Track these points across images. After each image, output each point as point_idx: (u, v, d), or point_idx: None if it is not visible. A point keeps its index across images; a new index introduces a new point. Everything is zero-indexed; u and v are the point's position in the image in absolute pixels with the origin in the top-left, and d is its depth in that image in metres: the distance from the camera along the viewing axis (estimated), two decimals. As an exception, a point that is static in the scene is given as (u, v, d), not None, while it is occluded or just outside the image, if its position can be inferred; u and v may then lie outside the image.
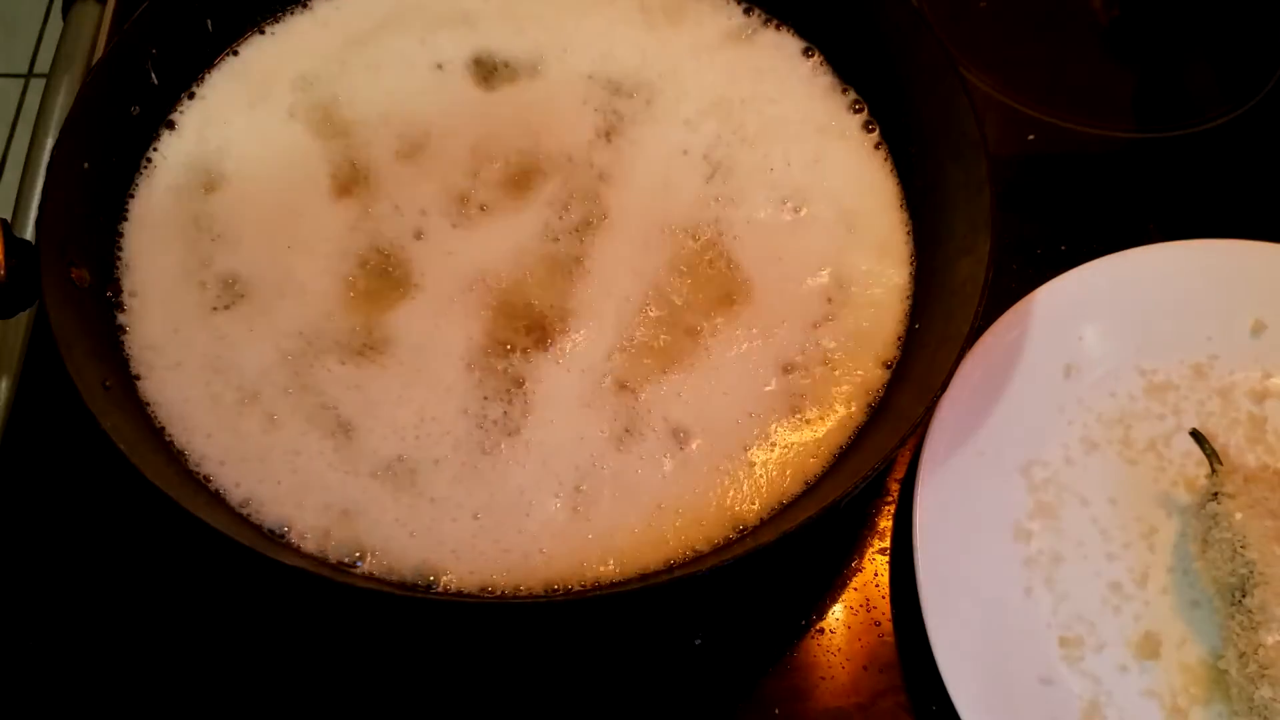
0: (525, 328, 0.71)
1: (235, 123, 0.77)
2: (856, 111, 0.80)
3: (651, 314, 0.72)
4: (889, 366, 0.71)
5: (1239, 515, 0.67)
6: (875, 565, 0.73)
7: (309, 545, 0.64)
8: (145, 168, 0.75)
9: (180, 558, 0.71)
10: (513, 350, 0.70)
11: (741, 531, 0.66)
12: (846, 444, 0.68)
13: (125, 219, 0.73)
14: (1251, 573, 0.65)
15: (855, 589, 0.72)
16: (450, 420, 0.68)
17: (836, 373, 0.70)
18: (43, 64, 1.67)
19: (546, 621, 0.71)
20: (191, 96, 0.78)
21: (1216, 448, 0.72)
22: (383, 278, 0.72)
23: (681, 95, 0.80)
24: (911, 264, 0.74)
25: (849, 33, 0.79)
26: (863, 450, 0.67)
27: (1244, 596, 0.65)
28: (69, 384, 0.60)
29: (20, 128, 1.76)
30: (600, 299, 0.72)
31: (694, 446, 0.68)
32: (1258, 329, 0.78)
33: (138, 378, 0.68)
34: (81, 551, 0.72)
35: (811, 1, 0.81)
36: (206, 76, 0.79)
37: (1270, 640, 0.64)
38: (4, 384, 0.78)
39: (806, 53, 0.82)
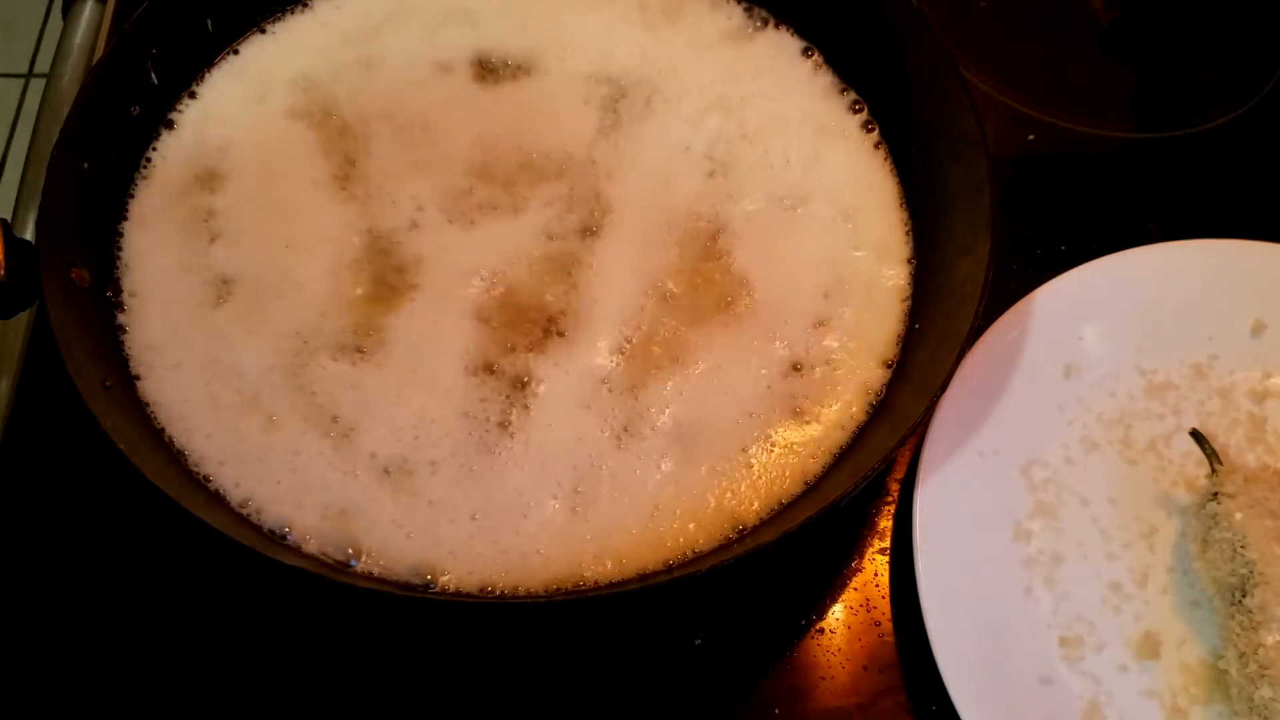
0: (524, 327, 0.71)
1: (235, 122, 0.77)
2: (856, 111, 0.80)
3: (651, 313, 0.72)
4: (889, 366, 0.71)
5: (1239, 515, 0.67)
6: (875, 565, 0.73)
7: (309, 545, 0.64)
8: (145, 167, 0.75)
9: (180, 558, 0.71)
10: (512, 350, 0.70)
11: (741, 531, 0.66)
12: (846, 444, 0.68)
13: (125, 219, 0.73)
14: (1251, 573, 0.65)
15: (855, 589, 0.72)
16: (449, 421, 0.68)
17: (836, 373, 0.70)
18: (43, 64, 1.68)
19: (546, 622, 0.71)
20: (192, 96, 0.78)
21: (1216, 448, 0.72)
22: (382, 277, 0.72)
23: (681, 94, 0.80)
24: (911, 264, 0.74)
25: (849, 33, 0.79)
26: (863, 450, 0.67)
27: (1244, 596, 0.65)
28: (69, 384, 0.60)
29: (20, 128, 1.76)
30: (600, 298, 0.72)
31: (693, 446, 0.68)
32: (1258, 329, 0.78)
33: (137, 378, 0.68)
34: (81, 551, 0.72)
35: (811, 1, 0.81)
36: (206, 76, 0.79)
37: (1270, 640, 0.64)
38: (4, 384, 0.78)
39: (806, 52, 0.82)
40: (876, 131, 0.79)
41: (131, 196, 0.74)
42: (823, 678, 0.70)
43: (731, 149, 0.78)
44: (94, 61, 0.91)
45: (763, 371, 0.70)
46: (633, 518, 0.66)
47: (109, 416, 0.61)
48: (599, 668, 0.70)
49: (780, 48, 0.82)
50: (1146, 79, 0.98)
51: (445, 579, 0.64)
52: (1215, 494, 0.69)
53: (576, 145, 0.77)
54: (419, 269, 0.73)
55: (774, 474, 0.67)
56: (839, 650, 0.70)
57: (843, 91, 0.80)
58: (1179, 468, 0.74)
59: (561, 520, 0.65)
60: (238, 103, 0.78)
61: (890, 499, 0.76)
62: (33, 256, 0.64)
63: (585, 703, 0.69)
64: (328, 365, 0.69)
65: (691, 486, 0.67)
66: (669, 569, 0.64)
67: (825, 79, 0.81)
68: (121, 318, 0.70)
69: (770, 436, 0.68)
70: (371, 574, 0.64)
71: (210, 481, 0.66)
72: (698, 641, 0.70)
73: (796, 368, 0.71)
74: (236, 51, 0.80)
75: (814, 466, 0.68)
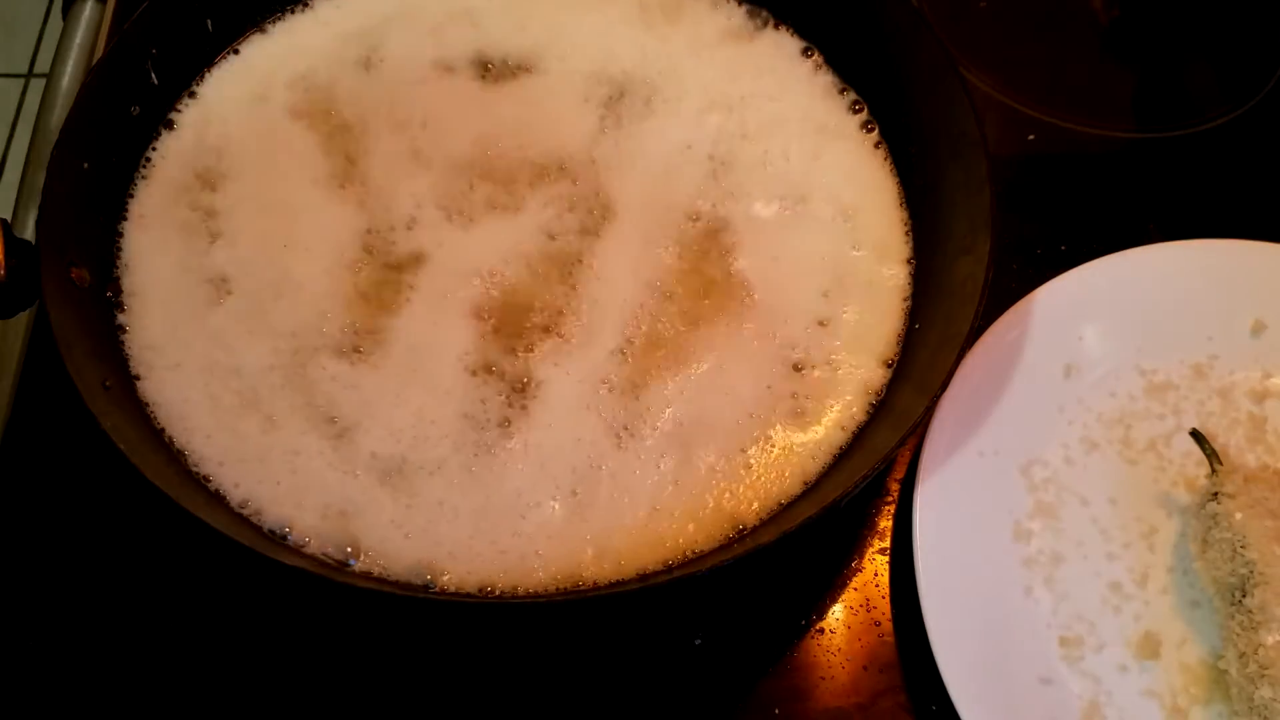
0: (524, 327, 0.71)
1: (235, 122, 0.77)
2: (856, 111, 0.80)
3: (651, 313, 0.72)
4: (889, 366, 0.71)
5: (1239, 515, 0.67)
6: (875, 565, 0.73)
7: (309, 546, 0.64)
8: (145, 167, 0.75)
9: (180, 558, 0.71)
10: (511, 350, 0.70)
11: (741, 531, 0.66)
12: (846, 444, 0.68)
13: (125, 219, 0.73)
14: (1251, 573, 0.65)
15: (855, 589, 0.72)
16: (448, 421, 0.68)
17: (837, 373, 0.70)
18: (43, 64, 1.68)
19: (545, 622, 0.71)
20: (191, 96, 0.78)
21: (1216, 448, 0.72)
22: (382, 277, 0.72)
23: (681, 94, 0.80)
24: (911, 264, 0.74)
25: (849, 33, 0.79)
26: (863, 450, 0.67)
27: (1244, 596, 0.65)
28: (69, 384, 0.60)
29: (20, 128, 1.76)
30: (600, 298, 0.72)
31: (693, 447, 0.68)
32: (1258, 329, 0.78)
33: (137, 378, 0.68)
34: (81, 551, 0.72)
35: (811, 1, 0.81)
36: (207, 76, 0.79)
37: (1270, 640, 0.64)
38: (4, 384, 0.78)
39: (806, 52, 0.82)
40: (876, 131, 0.79)
41: (131, 196, 0.74)
42: (823, 678, 0.70)
43: (731, 149, 0.78)
44: (94, 61, 0.91)
45: (763, 371, 0.70)
46: (632, 518, 0.66)
47: (109, 416, 0.61)
48: (599, 668, 0.70)
49: (780, 47, 0.82)
50: (1146, 79, 0.98)
51: (445, 579, 0.64)
52: (1215, 494, 0.69)
53: (577, 145, 0.77)
54: (419, 269, 0.73)
55: (774, 474, 0.67)
56: (839, 650, 0.70)
57: (842, 91, 0.80)
58: (1179, 468, 0.74)
59: (561, 520, 0.65)
60: (238, 102, 0.78)
61: (890, 499, 0.76)
62: (33, 256, 0.64)
63: (585, 703, 0.69)
64: (327, 365, 0.69)
65: (691, 486, 0.67)
66: (669, 569, 0.64)
67: (825, 79, 0.81)
68: (121, 318, 0.70)
69: (770, 436, 0.68)
70: (371, 574, 0.64)
71: (210, 481, 0.66)
72: (698, 641, 0.70)
73: (796, 367, 0.71)
74: (237, 51, 0.80)
75: (814, 466, 0.68)
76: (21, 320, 0.79)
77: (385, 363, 0.69)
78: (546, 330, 0.71)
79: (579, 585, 0.64)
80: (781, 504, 0.66)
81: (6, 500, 0.74)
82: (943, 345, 0.66)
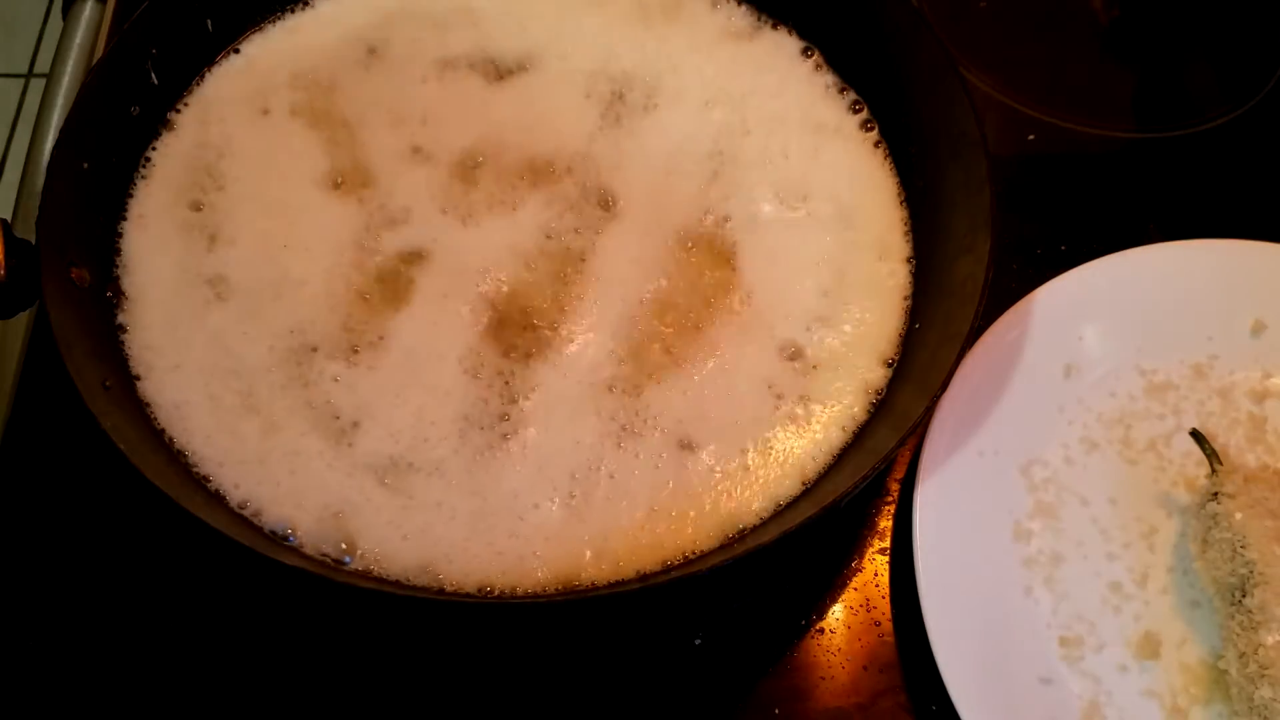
0: (524, 327, 0.71)
1: (235, 121, 0.77)
2: (856, 111, 0.80)
3: (651, 313, 0.72)
4: (889, 365, 0.71)
5: (1239, 515, 0.67)
6: (875, 565, 0.73)
7: (308, 546, 0.64)
8: (145, 167, 0.75)
9: (180, 558, 0.71)
10: (511, 350, 0.70)
11: (741, 531, 0.66)
12: (846, 444, 0.68)
13: (125, 219, 0.73)
14: (1251, 573, 0.65)
15: (855, 589, 0.72)
16: (448, 421, 0.68)
17: (836, 372, 0.70)
18: (43, 64, 1.68)
19: (545, 622, 0.71)
20: (191, 95, 0.78)
21: (1216, 448, 0.72)
22: (381, 277, 0.72)
23: (681, 93, 0.80)
24: (911, 263, 0.74)
25: (849, 33, 0.79)
26: (863, 450, 0.67)
27: (1244, 596, 0.65)
28: (69, 384, 0.60)
29: (20, 128, 1.77)
30: (600, 298, 0.72)
31: (693, 446, 0.68)
32: (1258, 329, 0.78)
33: (137, 378, 0.68)
34: (81, 551, 0.72)
35: (811, 1, 0.81)
36: (207, 75, 0.79)
37: (1270, 640, 0.64)
38: (4, 384, 0.78)
39: (806, 52, 0.82)
40: (876, 131, 0.79)
41: (131, 196, 0.74)
42: (823, 678, 0.70)
43: (731, 148, 0.78)
44: (94, 61, 0.91)
45: (762, 371, 0.70)
46: (632, 518, 0.66)
47: (109, 416, 0.61)
48: (599, 668, 0.70)
49: (780, 47, 0.82)
50: (1146, 79, 0.98)
51: (444, 579, 0.64)
52: (1215, 494, 0.69)
53: (577, 144, 0.77)
54: (419, 269, 0.73)
55: (774, 474, 0.67)
56: (839, 650, 0.70)
57: (842, 91, 0.80)
58: (1179, 468, 0.74)
59: (561, 521, 0.65)
60: (238, 102, 0.78)
61: (890, 499, 0.76)
62: (33, 256, 0.64)
63: (585, 703, 0.69)
64: (327, 366, 0.69)
65: (690, 487, 0.67)
66: (668, 569, 0.64)
67: (825, 79, 0.81)
68: (121, 318, 0.70)
69: (769, 436, 0.68)
70: (371, 574, 0.64)
71: (210, 482, 0.66)
72: (698, 641, 0.70)
73: (796, 367, 0.70)
74: (237, 50, 0.80)
75: (814, 467, 0.68)
76: (21, 320, 0.79)
77: (384, 363, 0.69)
78: (546, 330, 0.71)
79: (579, 585, 0.64)
80: (781, 504, 0.66)
81: (6, 500, 0.74)
82: (943, 345, 0.66)
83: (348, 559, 0.64)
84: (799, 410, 0.69)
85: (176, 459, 0.66)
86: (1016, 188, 0.85)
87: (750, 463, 0.67)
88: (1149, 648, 0.68)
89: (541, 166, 0.77)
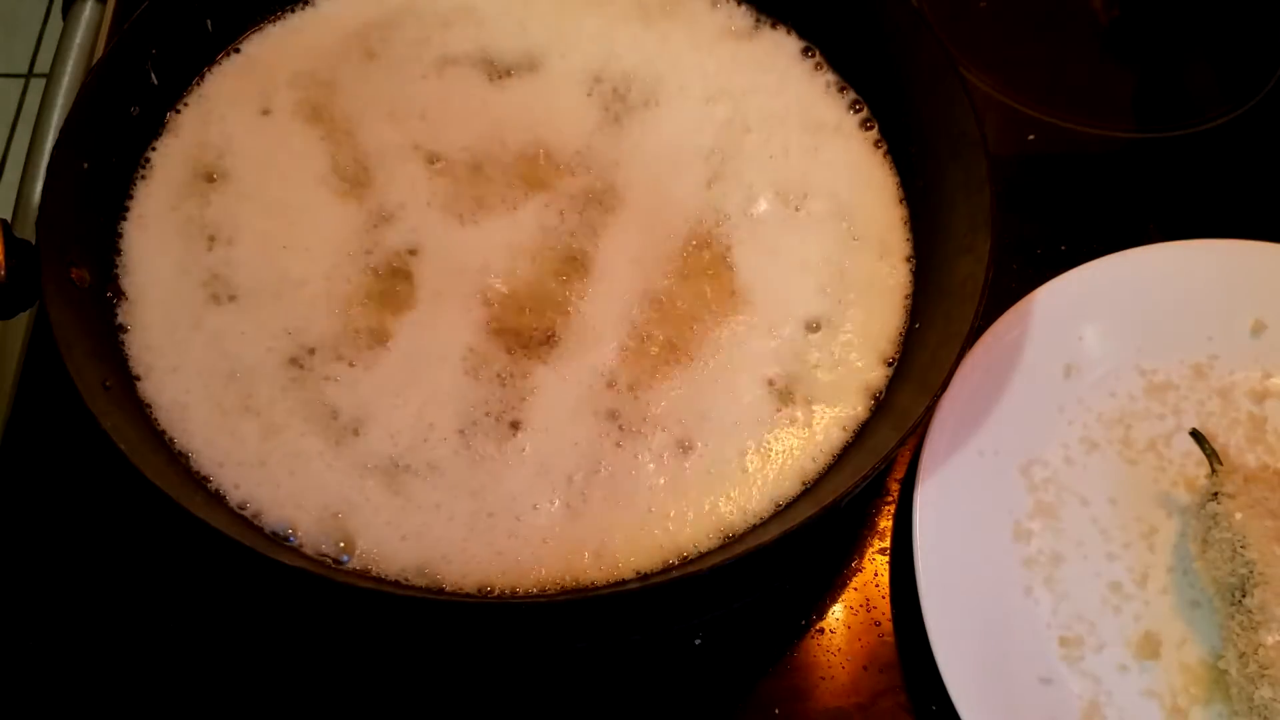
0: (525, 327, 0.71)
1: (235, 121, 0.77)
2: (856, 110, 0.80)
3: (652, 313, 0.72)
4: (890, 365, 0.71)
5: (1239, 515, 0.67)
6: (875, 565, 0.73)
7: (308, 546, 0.64)
8: (145, 167, 0.75)
9: (180, 558, 0.71)
10: (511, 350, 0.70)
11: (742, 531, 0.66)
12: (846, 443, 0.68)
13: (125, 219, 0.73)
14: (1251, 573, 0.65)
15: (855, 589, 0.72)
16: (448, 422, 0.68)
17: (837, 371, 0.70)
18: (43, 64, 1.68)
19: (546, 622, 0.71)
20: (192, 95, 0.78)
21: (1216, 448, 0.72)
22: (382, 277, 0.72)
23: (681, 92, 0.80)
24: (911, 263, 0.74)
25: (849, 32, 0.79)
26: (863, 449, 0.67)
27: (1244, 596, 0.65)
28: (69, 384, 0.60)
29: (20, 128, 1.76)
30: (600, 297, 0.72)
31: (693, 446, 0.68)
32: (1258, 329, 0.78)
33: (137, 378, 0.68)
34: (81, 551, 0.72)
35: (811, 1, 0.81)
36: (207, 75, 0.79)
37: (1270, 640, 0.64)
38: (4, 384, 0.78)
39: (806, 52, 0.82)
40: (876, 130, 0.79)
41: (131, 196, 0.74)
42: (823, 678, 0.70)
43: (731, 147, 0.78)
44: (94, 61, 0.91)
45: (762, 370, 0.70)
46: (632, 518, 0.66)
47: (109, 416, 0.61)
48: (599, 668, 0.70)
49: (780, 47, 0.82)
50: (1146, 79, 0.98)
51: (443, 580, 0.63)
52: (1215, 494, 0.69)
53: (577, 143, 0.77)
54: (419, 269, 0.73)
55: (773, 474, 0.67)
56: (839, 650, 0.70)
57: (842, 90, 0.80)
58: (1179, 468, 0.74)
59: (561, 521, 0.65)
60: (238, 101, 0.78)
61: (890, 499, 0.75)
62: (33, 256, 0.64)
63: (585, 703, 0.69)
64: (326, 366, 0.69)
65: (690, 487, 0.67)
66: (668, 569, 0.64)
67: (825, 78, 0.81)
68: (121, 318, 0.70)
69: (770, 436, 0.68)
70: (370, 574, 0.64)
71: (210, 482, 0.66)
72: (698, 641, 0.70)
73: (796, 366, 0.70)
74: (238, 50, 0.80)
75: (814, 466, 0.68)
76: (21, 320, 0.79)
77: (384, 364, 0.69)
78: (546, 330, 0.71)
79: (579, 585, 0.64)
80: (781, 504, 0.66)
81: (6, 500, 0.74)
82: (943, 345, 0.66)
83: (346, 558, 0.64)
84: (799, 410, 0.69)
85: (176, 459, 0.66)
86: (1016, 188, 0.85)
87: (750, 462, 0.67)
88: (1149, 648, 0.68)
89: (542, 165, 0.77)
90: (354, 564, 0.64)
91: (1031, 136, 0.92)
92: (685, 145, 0.78)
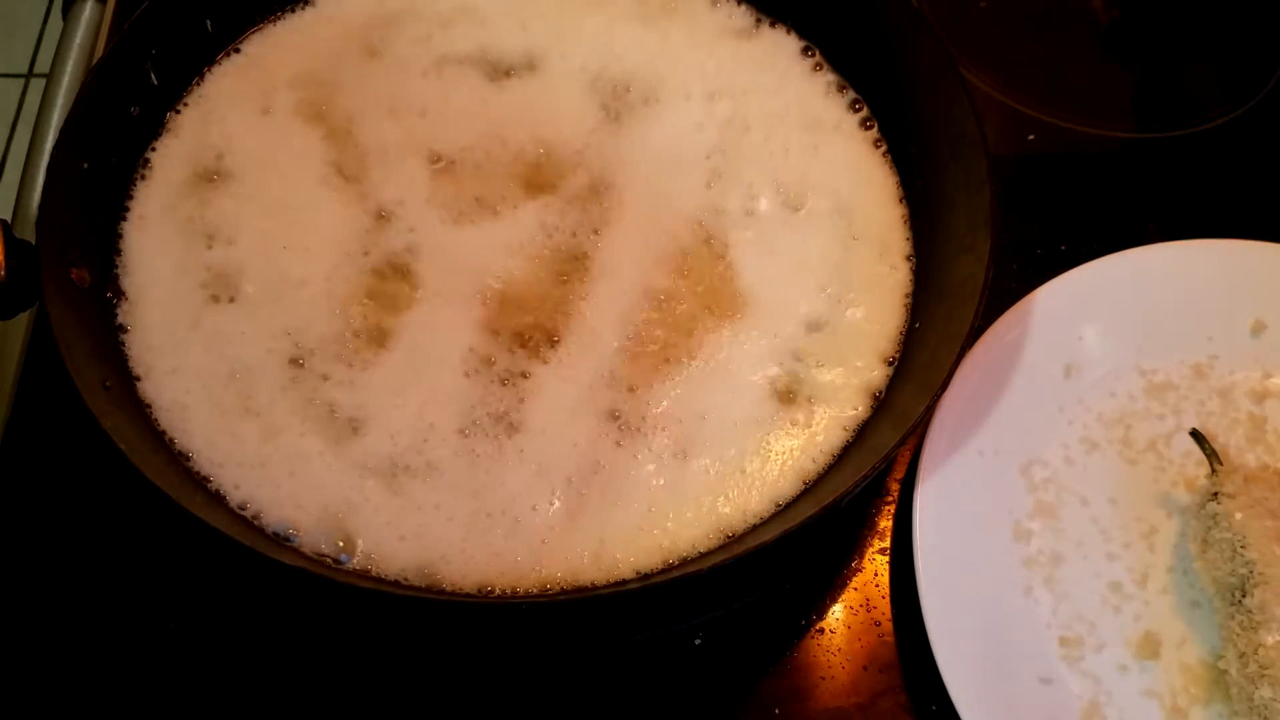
0: (525, 327, 0.71)
1: (235, 121, 0.77)
2: (856, 110, 0.80)
3: (652, 313, 0.72)
4: (890, 364, 0.71)
5: (1239, 515, 0.67)
6: (875, 565, 0.73)
7: (308, 546, 0.64)
8: (145, 167, 0.75)
9: (180, 558, 0.71)
10: (510, 350, 0.70)
11: (742, 531, 0.66)
12: (846, 443, 0.68)
13: (125, 219, 0.73)
14: (1251, 573, 0.65)
15: (855, 589, 0.72)
16: (448, 422, 0.68)
17: (837, 371, 0.70)
18: (43, 64, 1.68)
19: (546, 622, 0.71)
20: (192, 95, 0.78)
21: (1216, 448, 0.72)
22: (381, 278, 0.72)
23: (681, 92, 0.80)
24: (911, 262, 0.74)
25: (849, 32, 0.79)
26: (863, 449, 0.67)
27: (1244, 596, 0.65)
28: (69, 384, 0.60)
29: (20, 128, 1.76)
30: (600, 297, 0.72)
31: (693, 446, 0.68)
32: (1258, 329, 0.78)
33: (137, 378, 0.68)
34: (81, 551, 0.72)
35: (811, 1, 0.81)
36: (207, 75, 0.79)
37: (1270, 640, 0.64)
38: (4, 384, 0.78)
39: (806, 52, 0.81)
40: (876, 130, 0.79)
41: (131, 196, 0.74)
42: (823, 678, 0.70)
43: (731, 146, 0.78)
44: (94, 61, 0.91)
45: (762, 369, 0.70)
46: (632, 518, 0.66)
47: (109, 417, 0.61)
48: (599, 668, 0.70)
49: (780, 46, 0.82)
50: (1146, 79, 0.98)
51: (443, 580, 0.63)
52: (1215, 494, 0.69)
53: (577, 142, 0.77)
54: (419, 269, 0.73)
55: (773, 474, 0.67)
56: (839, 650, 0.70)
57: (842, 91, 0.80)
58: (1179, 468, 0.74)
59: (561, 521, 0.65)
60: (238, 101, 0.78)
61: (890, 499, 0.75)
62: (33, 256, 0.64)
63: (585, 703, 0.69)
64: (327, 367, 0.69)
65: (690, 486, 0.67)
66: (668, 569, 0.64)
67: (825, 78, 0.81)
68: (121, 318, 0.70)
69: (770, 436, 0.68)
70: (371, 574, 0.64)
71: (210, 482, 0.66)
72: (698, 641, 0.70)
73: (796, 365, 0.70)
74: (238, 50, 0.80)
75: (814, 466, 0.68)
76: (21, 320, 0.79)
77: (384, 364, 0.69)
78: (546, 330, 0.71)
79: (579, 585, 0.64)
80: (781, 504, 0.66)
81: (6, 500, 0.74)
82: (943, 345, 0.66)
83: (345, 558, 0.64)
84: (799, 409, 0.69)
85: (177, 459, 0.66)
86: (1016, 188, 0.85)
87: (750, 462, 0.67)
88: (1149, 648, 0.68)
89: (542, 165, 0.77)
90: (354, 564, 0.64)
91: (1031, 136, 0.92)
92: (685, 144, 0.78)
